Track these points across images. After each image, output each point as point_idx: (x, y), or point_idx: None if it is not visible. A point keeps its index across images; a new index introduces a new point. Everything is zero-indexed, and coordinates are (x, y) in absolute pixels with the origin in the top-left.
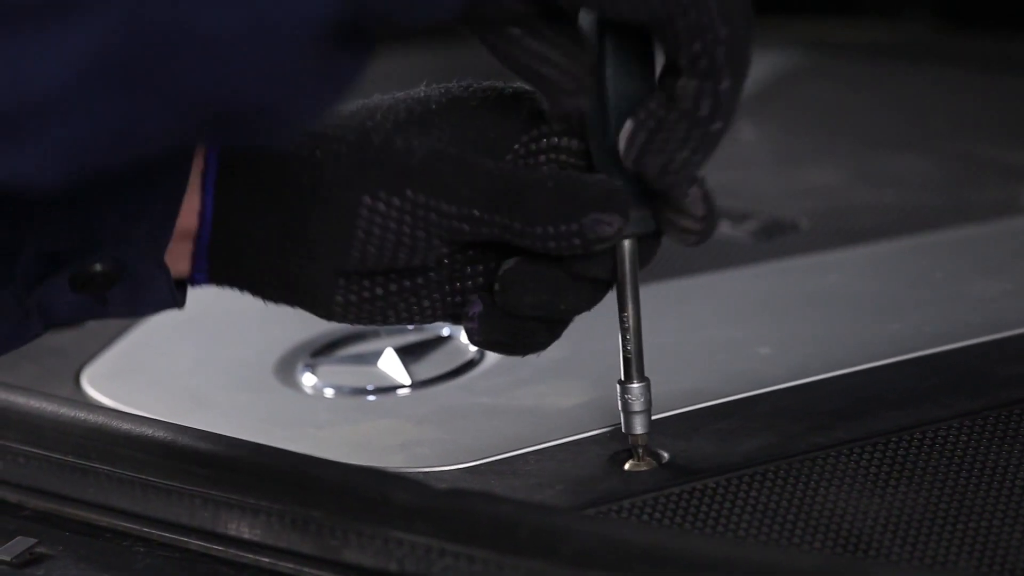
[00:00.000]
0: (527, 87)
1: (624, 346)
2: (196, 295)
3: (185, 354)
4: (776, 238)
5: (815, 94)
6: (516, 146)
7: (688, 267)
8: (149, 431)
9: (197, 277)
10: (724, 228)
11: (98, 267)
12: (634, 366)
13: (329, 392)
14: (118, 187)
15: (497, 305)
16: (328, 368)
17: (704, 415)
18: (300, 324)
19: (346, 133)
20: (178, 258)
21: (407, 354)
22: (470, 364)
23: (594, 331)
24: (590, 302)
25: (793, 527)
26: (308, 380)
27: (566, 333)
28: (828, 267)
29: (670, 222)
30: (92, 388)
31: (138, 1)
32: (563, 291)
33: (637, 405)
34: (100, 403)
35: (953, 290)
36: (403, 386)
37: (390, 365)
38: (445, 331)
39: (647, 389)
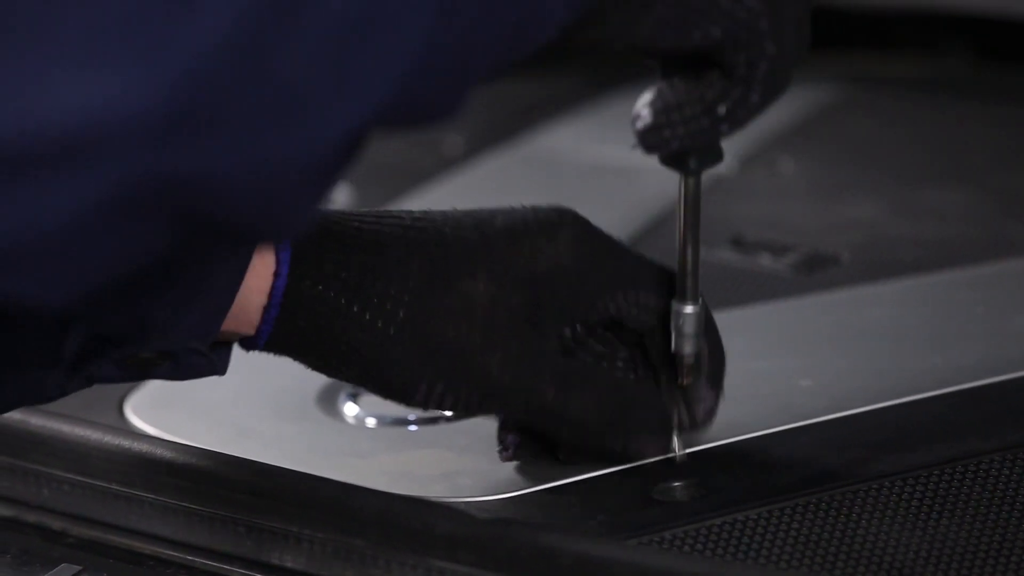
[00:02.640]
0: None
1: (681, 267)
2: None
3: (228, 383)
4: (816, 271)
5: (854, 128)
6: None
7: (729, 300)
8: (192, 460)
9: (258, 341)
10: (764, 261)
11: (146, 354)
12: (688, 286)
13: (371, 422)
14: (168, 276)
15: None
16: (370, 398)
17: (745, 447)
18: None
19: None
20: (242, 322)
21: None
22: None
23: None
24: None
25: (835, 559)
26: (350, 410)
27: None
28: (869, 300)
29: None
30: (136, 417)
31: (153, 153)
32: None
33: (688, 328)
34: (144, 432)
35: (994, 324)
36: (445, 416)
37: None
38: None
39: (703, 311)
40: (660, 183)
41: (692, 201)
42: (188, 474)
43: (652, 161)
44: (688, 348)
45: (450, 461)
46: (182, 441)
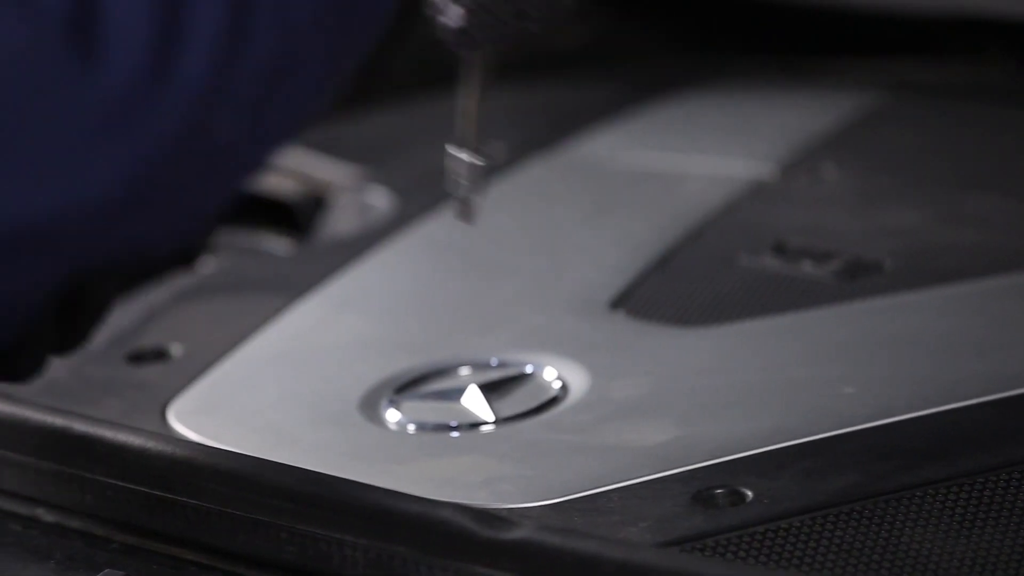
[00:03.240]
0: None
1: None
2: (283, 332)
3: (270, 389)
4: (859, 278)
5: (897, 135)
6: None
7: (771, 307)
8: (234, 465)
9: None
10: (807, 268)
11: None
12: (467, 134)
13: (412, 428)
14: None
15: None
16: (411, 404)
17: (789, 454)
18: (384, 360)
19: None
20: None
21: (490, 391)
22: (553, 401)
23: (678, 369)
24: None
25: (879, 567)
26: (392, 416)
27: (649, 369)
28: (912, 308)
29: None
30: (179, 422)
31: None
32: None
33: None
34: (186, 437)
35: None
36: (486, 423)
37: (473, 402)
38: (528, 368)
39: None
40: (701, 190)
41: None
42: (230, 480)
43: (693, 168)
44: (469, 192)
45: (491, 467)
46: (224, 447)
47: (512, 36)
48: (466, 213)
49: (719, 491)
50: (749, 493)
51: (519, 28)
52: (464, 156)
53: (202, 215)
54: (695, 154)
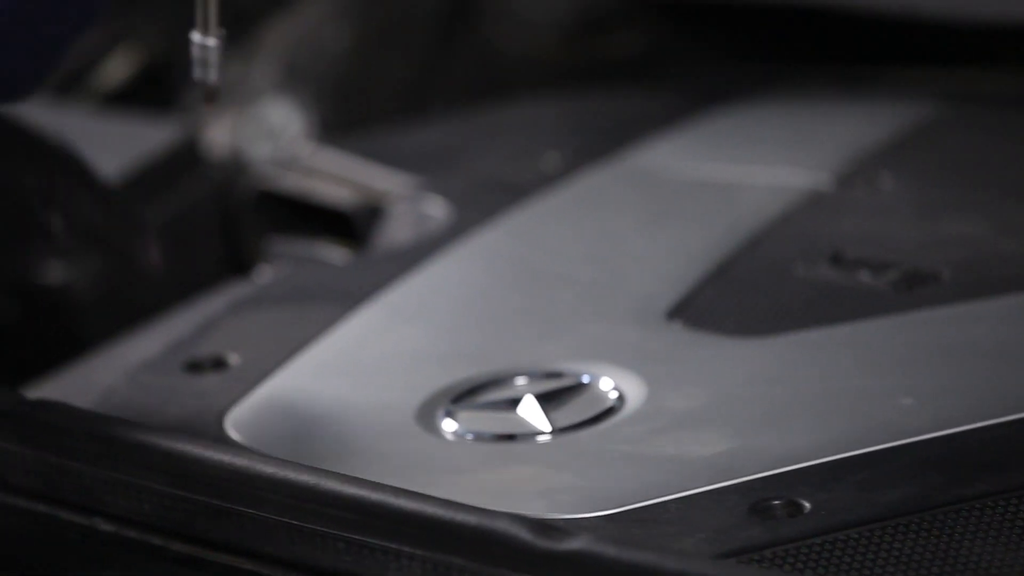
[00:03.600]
0: None
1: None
2: (340, 341)
3: (328, 399)
4: (917, 289)
5: (955, 145)
6: None
7: (828, 318)
8: (292, 475)
9: None
10: (864, 278)
11: None
12: (208, 18)
13: (469, 438)
14: None
15: None
16: (468, 414)
17: (846, 465)
18: (441, 370)
19: None
20: None
21: (547, 401)
22: (610, 411)
23: (735, 379)
24: None
25: None
26: (448, 426)
27: (706, 380)
28: (970, 318)
29: None
30: (236, 432)
31: None
32: None
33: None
34: (244, 446)
35: None
36: (543, 433)
37: (530, 412)
38: (585, 378)
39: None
40: (757, 200)
41: None
42: (288, 490)
43: (750, 178)
44: (212, 76)
45: (548, 478)
46: (282, 457)
47: None
48: (210, 96)
49: (776, 502)
50: (807, 504)
51: None
52: (206, 41)
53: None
54: (752, 164)
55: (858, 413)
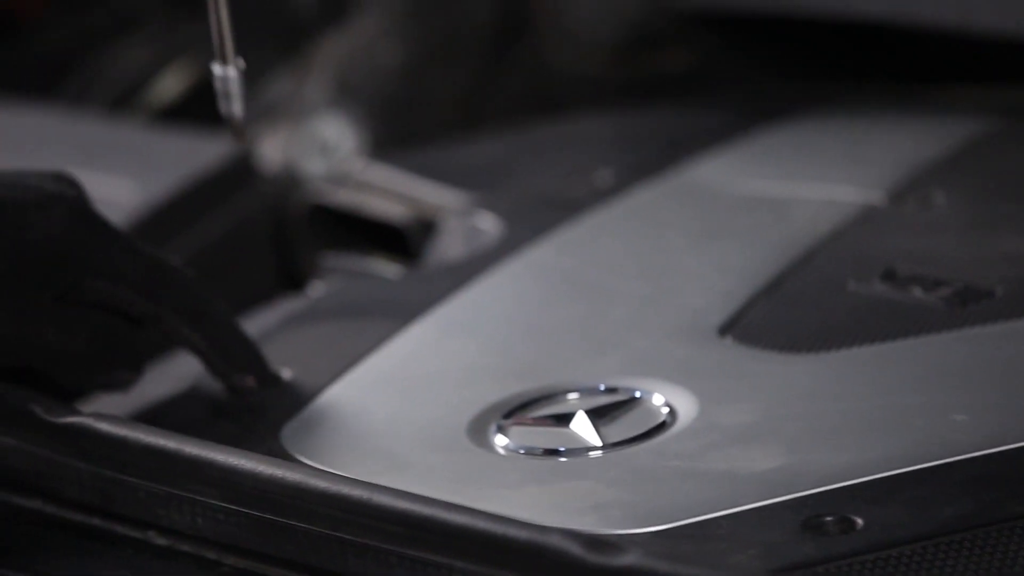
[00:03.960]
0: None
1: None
2: (392, 356)
3: (381, 413)
4: (970, 305)
5: (1008, 161)
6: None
7: (881, 334)
8: (344, 489)
9: None
10: (917, 295)
11: None
12: (226, 49)
13: (521, 453)
14: None
15: None
16: (520, 429)
17: (899, 482)
18: (493, 385)
19: None
20: None
21: (599, 416)
22: (661, 427)
23: (787, 395)
24: None
25: None
26: (500, 441)
27: (757, 396)
28: None
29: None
30: (290, 446)
31: None
32: None
33: (233, 88)
34: (298, 460)
35: None
36: (594, 448)
37: (582, 427)
38: (636, 394)
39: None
40: (810, 216)
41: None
42: (341, 504)
43: (802, 194)
44: (237, 108)
45: (600, 493)
46: (335, 471)
47: None
48: (239, 131)
49: (829, 518)
50: (859, 521)
51: None
52: (226, 72)
53: None
54: (804, 180)
55: (911, 429)
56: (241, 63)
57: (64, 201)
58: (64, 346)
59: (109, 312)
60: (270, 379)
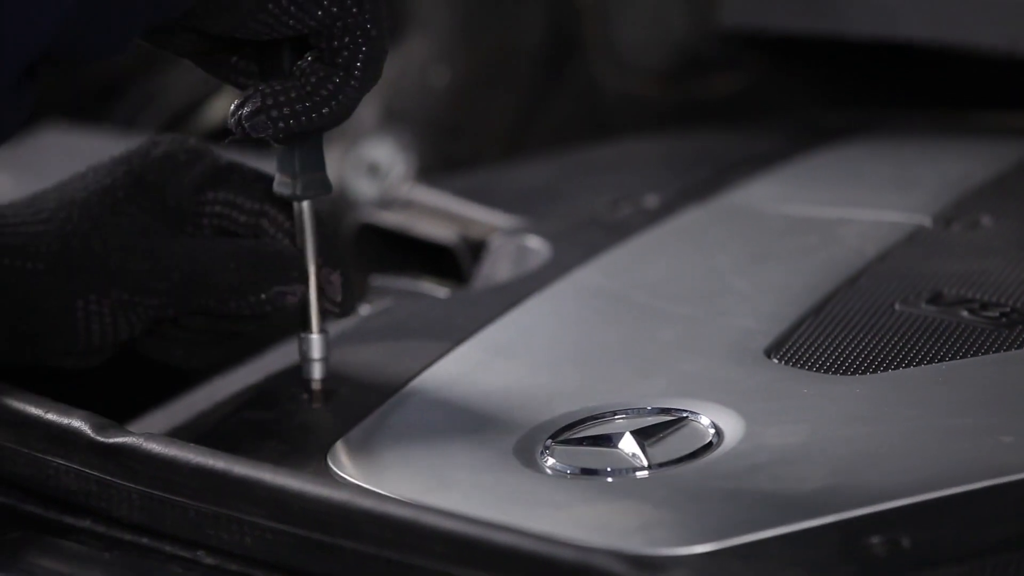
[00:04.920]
0: (201, 145)
1: (307, 300)
2: (441, 376)
3: (428, 433)
4: (1017, 327)
5: None
6: (196, 209)
7: (928, 356)
8: (392, 510)
9: None
10: (964, 317)
11: None
12: (314, 319)
13: (568, 473)
14: None
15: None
16: (567, 450)
17: (946, 503)
18: (540, 406)
19: (49, 243)
20: None
21: (646, 436)
22: (708, 447)
23: (833, 416)
24: None
25: None
26: (547, 461)
27: (804, 417)
28: None
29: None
30: (337, 466)
31: None
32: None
33: (316, 353)
34: (345, 481)
35: None
36: (641, 468)
37: (629, 447)
38: (683, 415)
39: (326, 340)
40: (857, 238)
41: (308, 230)
42: (388, 524)
43: (850, 217)
44: (316, 373)
45: (647, 512)
46: (383, 491)
47: (310, 122)
48: (317, 397)
49: (875, 539)
50: (906, 541)
51: (314, 110)
52: (313, 338)
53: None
54: (852, 203)
55: (958, 450)
56: (327, 330)
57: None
58: (204, 276)
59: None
60: (352, 291)
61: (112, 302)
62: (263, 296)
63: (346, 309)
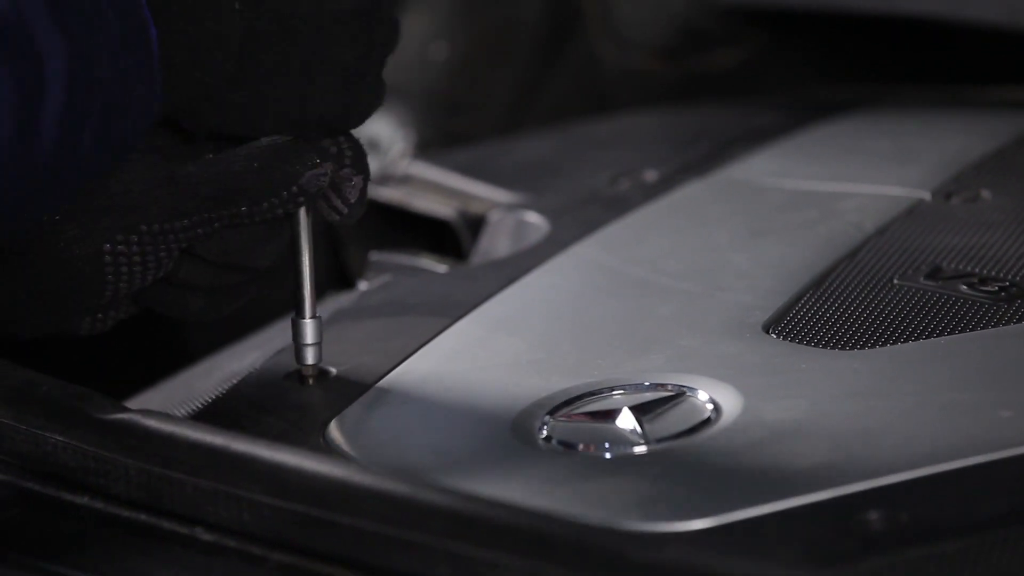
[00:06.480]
0: None
1: (300, 285)
2: (439, 352)
3: (427, 409)
4: (1016, 302)
5: None
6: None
7: (927, 331)
8: (390, 486)
9: None
10: (963, 291)
11: None
12: (307, 304)
13: (566, 449)
14: None
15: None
16: (565, 425)
17: (945, 478)
18: (539, 381)
19: None
20: None
21: (644, 412)
22: (706, 423)
23: (831, 391)
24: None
25: None
26: (545, 437)
27: (802, 392)
28: None
29: (325, 197)
30: (336, 442)
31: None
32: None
33: (309, 339)
34: (344, 456)
35: None
36: (639, 444)
37: (627, 423)
38: (681, 390)
39: (319, 325)
40: (856, 213)
41: (303, 237)
42: (386, 500)
43: (849, 191)
44: (310, 359)
45: (644, 489)
46: (381, 467)
47: None
48: (312, 383)
49: (874, 515)
50: (904, 517)
51: None
52: (306, 323)
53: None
54: (851, 178)
55: (956, 425)
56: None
57: None
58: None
59: None
60: (362, 201)
61: (140, 237)
62: (294, 189)
63: (354, 214)
